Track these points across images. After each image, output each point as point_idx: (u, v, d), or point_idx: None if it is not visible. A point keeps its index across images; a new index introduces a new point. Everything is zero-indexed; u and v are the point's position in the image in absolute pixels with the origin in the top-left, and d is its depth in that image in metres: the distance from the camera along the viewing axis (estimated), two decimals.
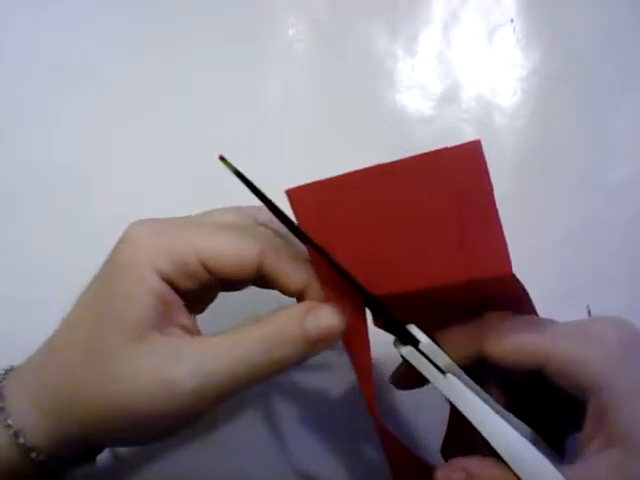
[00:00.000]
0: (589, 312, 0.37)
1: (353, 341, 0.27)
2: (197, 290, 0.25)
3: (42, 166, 0.37)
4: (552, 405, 0.26)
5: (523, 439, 0.24)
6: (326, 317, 0.24)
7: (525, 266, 0.39)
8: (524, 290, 0.27)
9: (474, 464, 0.24)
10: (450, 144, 0.29)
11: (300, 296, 0.26)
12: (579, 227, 0.39)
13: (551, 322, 0.26)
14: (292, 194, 0.25)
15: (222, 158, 0.25)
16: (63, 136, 0.37)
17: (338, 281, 0.25)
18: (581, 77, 0.40)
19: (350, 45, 0.40)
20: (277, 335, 0.24)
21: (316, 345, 0.24)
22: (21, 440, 0.23)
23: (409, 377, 0.28)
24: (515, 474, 0.23)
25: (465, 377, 0.26)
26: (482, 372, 0.26)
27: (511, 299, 0.27)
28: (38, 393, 0.24)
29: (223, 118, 0.38)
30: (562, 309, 0.37)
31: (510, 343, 0.25)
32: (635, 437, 0.22)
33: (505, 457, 0.23)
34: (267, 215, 0.25)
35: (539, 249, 0.38)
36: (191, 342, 0.24)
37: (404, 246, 0.26)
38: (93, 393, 0.23)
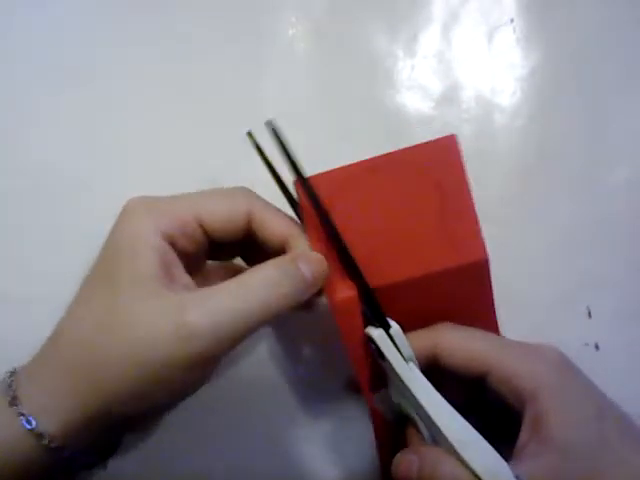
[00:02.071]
0: (589, 312, 0.37)
1: (346, 318, 0.28)
2: (191, 253, 0.27)
3: (42, 166, 0.37)
4: (490, 413, 0.28)
5: (473, 430, 0.25)
6: (315, 260, 0.27)
7: (525, 266, 0.39)
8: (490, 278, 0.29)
9: (426, 450, 0.26)
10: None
11: (284, 248, 0.28)
12: (579, 227, 0.39)
13: (497, 337, 0.29)
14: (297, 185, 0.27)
15: (250, 134, 0.28)
16: (63, 136, 0.37)
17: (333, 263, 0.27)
18: (581, 77, 0.40)
19: (350, 45, 0.40)
20: (279, 273, 0.25)
21: (312, 285, 0.26)
22: (33, 426, 0.23)
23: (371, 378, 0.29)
24: (464, 462, 0.24)
25: (420, 370, 0.27)
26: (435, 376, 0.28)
27: (478, 287, 0.29)
28: (52, 378, 0.24)
29: (223, 118, 0.38)
30: (562, 309, 0.37)
31: (460, 350, 0.28)
32: (567, 442, 0.24)
33: (456, 445, 0.24)
34: None
35: (539, 249, 0.38)
36: (200, 290, 0.25)
37: (388, 238, 0.28)
38: (108, 351, 0.24)
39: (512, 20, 0.40)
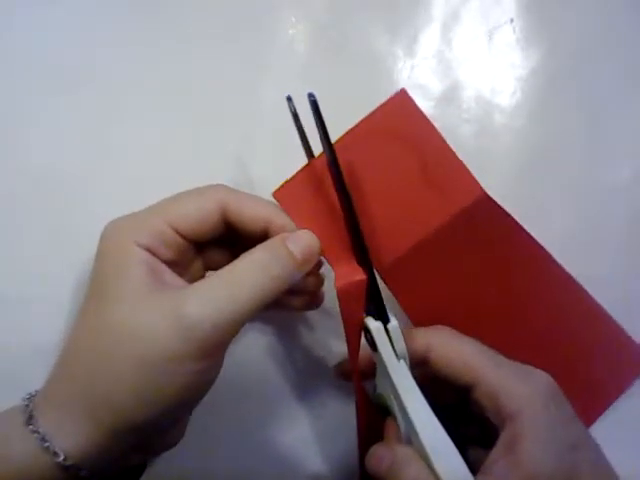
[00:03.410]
0: None
1: (350, 301, 0.28)
2: (179, 261, 0.27)
3: (42, 166, 0.37)
4: (469, 421, 0.29)
5: (448, 438, 0.25)
6: (303, 238, 0.27)
7: None
8: (502, 209, 0.29)
9: (398, 448, 0.26)
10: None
11: (266, 233, 0.28)
12: (579, 227, 0.39)
13: (492, 352, 0.29)
14: (277, 195, 0.28)
15: (289, 98, 0.28)
16: (63, 136, 0.37)
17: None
18: (581, 77, 0.40)
19: (350, 45, 0.40)
20: (269, 257, 0.26)
21: (303, 264, 0.26)
22: (47, 444, 0.23)
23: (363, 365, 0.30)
24: (432, 467, 0.24)
25: (411, 370, 0.28)
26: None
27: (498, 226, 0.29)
28: (64, 396, 0.24)
29: (223, 118, 0.38)
30: None
31: (453, 357, 0.28)
32: (537, 469, 0.24)
33: (427, 449, 0.25)
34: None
35: None
36: (194, 284, 0.25)
37: (386, 212, 0.28)
38: (111, 360, 0.24)
39: (512, 20, 0.40)
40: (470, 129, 0.39)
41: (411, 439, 0.26)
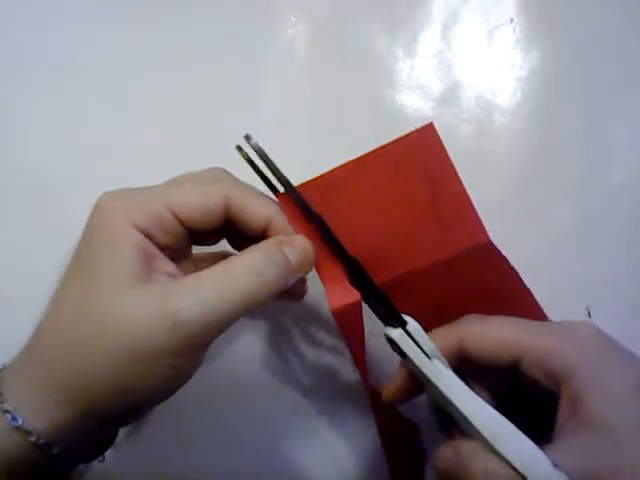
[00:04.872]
0: (589, 312, 0.37)
1: (347, 322, 0.28)
2: (173, 247, 0.27)
3: (42, 165, 0.37)
4: (527, 404, 0.28)
5: (506, 420, 0.24)
6: (299, 243, 0.27)
7: (525, 266, 0.39)
8: (505, 258, 0.29)
9: (460, 444, 0.25)
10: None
11: (265, 232, 0.27)
12: (579, 227, 0.39)
13: (525, 321, 0.28)
14: (280, 199, 0.27)
15: (239, 147, 0.28)
16: (62, 136, 0.37)
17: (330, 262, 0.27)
18: (581, 77, 0.40)
19: (350, 45, 0.40)
20: (264, 260, 0.25)
21: (297, 270, 0.26)
22: (19, 423, 0.23)
23: (405, 385, 0.29)
24: (498, 453, 0.23)
25: (448, 365, 0.27)
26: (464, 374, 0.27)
27: (494, 273, 0.29)
28: (36, 375, 0.24)
29: (223, 118, 0.38)
30: (562, 309, 0.37)
31: (489, 338, 0.27)
32: (605, 421, 0.23)
33: (488, 437, 0.24)
34: None
35: (539, 249, 0.38)
36: (185, 278, 0.25)
37: (387, 237, 0.28)
38: (93, 346, 0.23)
39: (512, 20, 0.40)
40: (470, 129, 0.39)
41: (471, 434, 0.25)
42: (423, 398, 0.31)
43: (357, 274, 0.27)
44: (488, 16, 0.40)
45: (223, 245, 0.31)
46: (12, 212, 0.36)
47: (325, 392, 0.36)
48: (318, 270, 0.28)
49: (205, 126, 0.38)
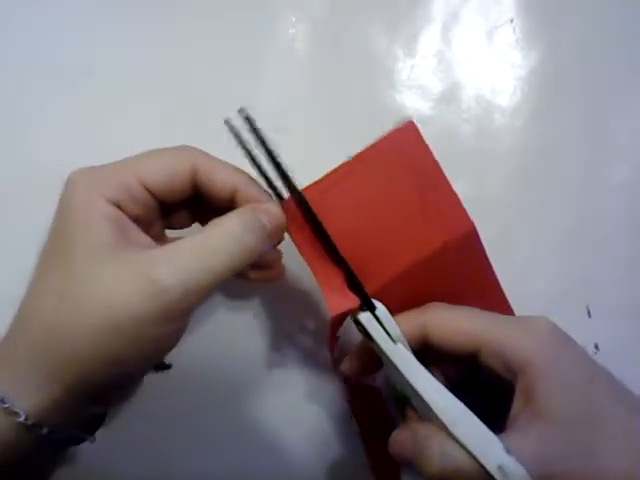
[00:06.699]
0: (589, 312, 0.37)
1: (340, 321, 0.28)
2: (144, 218, 0.27)
3: (42, 165, 0.37)
4: (485, 392, 0.29)
5: (463, 406, 0.25)
6: (273, 210, 0.27)
7: (525, 266, 0.39)
8: (484, 250, 0.29)
9: (418, 426, 0.26)
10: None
11: (233, 201, 0.28)
12: (579, 227, 0.39)
13: (487, 312, 0.29)
14: (284, 205, 0.28)
15: (227, 122, 0.28)
16: (62, 136, 0.37)
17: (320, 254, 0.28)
18: (581, 77, 0.40)
19: (350, 45, 0.40)
20: (242, 228, 0.26)
21: (272, 235, 0.27)
22: (6, 404, 0.23)
23: (363, 361, 0.30)
24: (454, 437, 0.24)
25: (411, 350, 0.27)
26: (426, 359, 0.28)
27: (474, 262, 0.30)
28: (20, 355, 0.24)
29: (223, 118, 0.38)
30: (562, 309, 0.37)
31: (452, 327, 0.28)
32: (558, 411, 0.24)
33: (445, 421, 0.25)
34: None
35: (539, 249, 0.38)
36: (165, 247, 0.25)
37: (378, 236, 0.28)
38: (75, 321, 0.23)
39: (512, 20, 0.40)
40: (470, 129, 0.39)
41: (428, 417, 0.26)
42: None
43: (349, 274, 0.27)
44: (488, 16, 0.41)
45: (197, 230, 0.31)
46: (12, 212, 0.36)
47: (325, 392, 0.36)
48: (316, 276, 0.28)
49: (205, 126, 0.38)
